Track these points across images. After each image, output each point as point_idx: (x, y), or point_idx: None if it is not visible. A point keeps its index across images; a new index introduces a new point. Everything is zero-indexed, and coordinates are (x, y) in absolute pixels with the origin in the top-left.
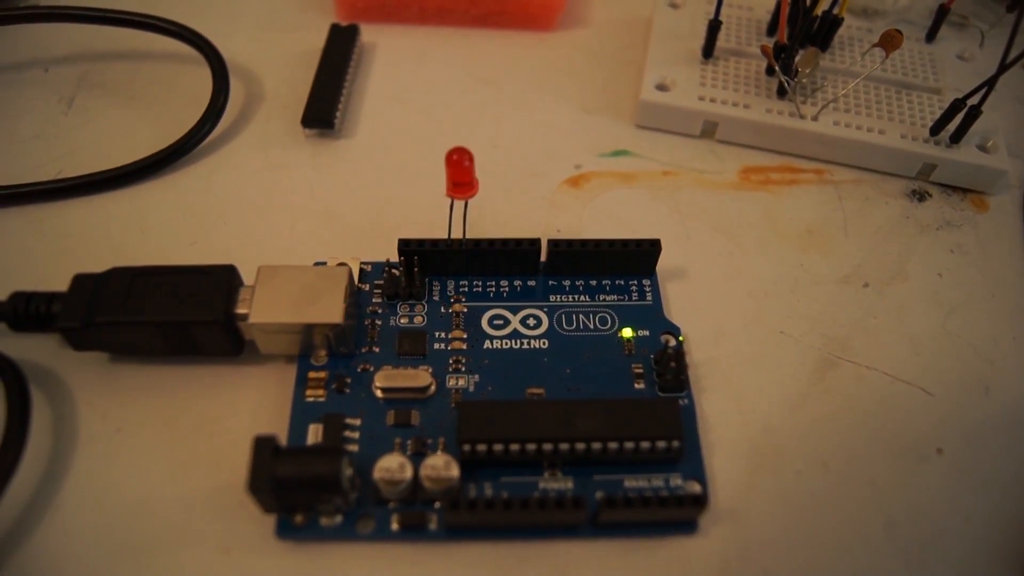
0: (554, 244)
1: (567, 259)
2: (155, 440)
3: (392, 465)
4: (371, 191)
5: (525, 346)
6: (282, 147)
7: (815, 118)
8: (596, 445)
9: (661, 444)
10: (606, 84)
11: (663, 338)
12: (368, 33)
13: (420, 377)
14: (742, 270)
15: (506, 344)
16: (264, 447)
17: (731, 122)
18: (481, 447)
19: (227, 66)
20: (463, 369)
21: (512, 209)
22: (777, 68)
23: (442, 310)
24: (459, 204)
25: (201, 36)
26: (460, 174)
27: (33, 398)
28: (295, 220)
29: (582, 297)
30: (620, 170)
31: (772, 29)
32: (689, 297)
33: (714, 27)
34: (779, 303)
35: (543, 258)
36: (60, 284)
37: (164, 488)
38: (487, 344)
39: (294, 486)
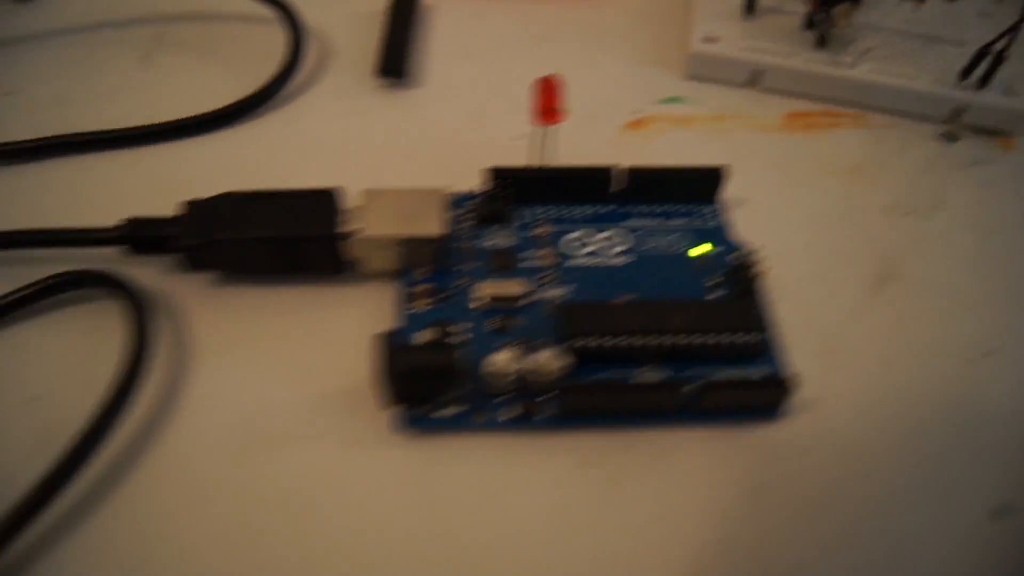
0: (632, 170)
1: (642, 185)
2: (268, 351)
3: (500, 358)
4: (443, 132)
5: (608, 263)
6: (356, 97)
7: (852, 66)
8: (688, 338)
9: (745, 337)
10: (656, 40)
11: (731, 256)
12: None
13: (517, 286)
14: (795, 200)
15: (590, 261)
16: (385, 341)
17: (775, 70)
18: (583, 342)
19: (301, 20)
20: (553, 282)
21: (579, 150)
22: (817, 19)
23: (528, 231)
24: (538, 135)
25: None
26: (548, 100)
27: (151, 317)
28: (377, 160)
29: (656, 221)
30: (675, 115)
31: None
32: (750, 224)
33: None
34: (832, 227)
35: (619, 183)
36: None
37: (281, 393)
38: (572, 261)
39: (413, 376)
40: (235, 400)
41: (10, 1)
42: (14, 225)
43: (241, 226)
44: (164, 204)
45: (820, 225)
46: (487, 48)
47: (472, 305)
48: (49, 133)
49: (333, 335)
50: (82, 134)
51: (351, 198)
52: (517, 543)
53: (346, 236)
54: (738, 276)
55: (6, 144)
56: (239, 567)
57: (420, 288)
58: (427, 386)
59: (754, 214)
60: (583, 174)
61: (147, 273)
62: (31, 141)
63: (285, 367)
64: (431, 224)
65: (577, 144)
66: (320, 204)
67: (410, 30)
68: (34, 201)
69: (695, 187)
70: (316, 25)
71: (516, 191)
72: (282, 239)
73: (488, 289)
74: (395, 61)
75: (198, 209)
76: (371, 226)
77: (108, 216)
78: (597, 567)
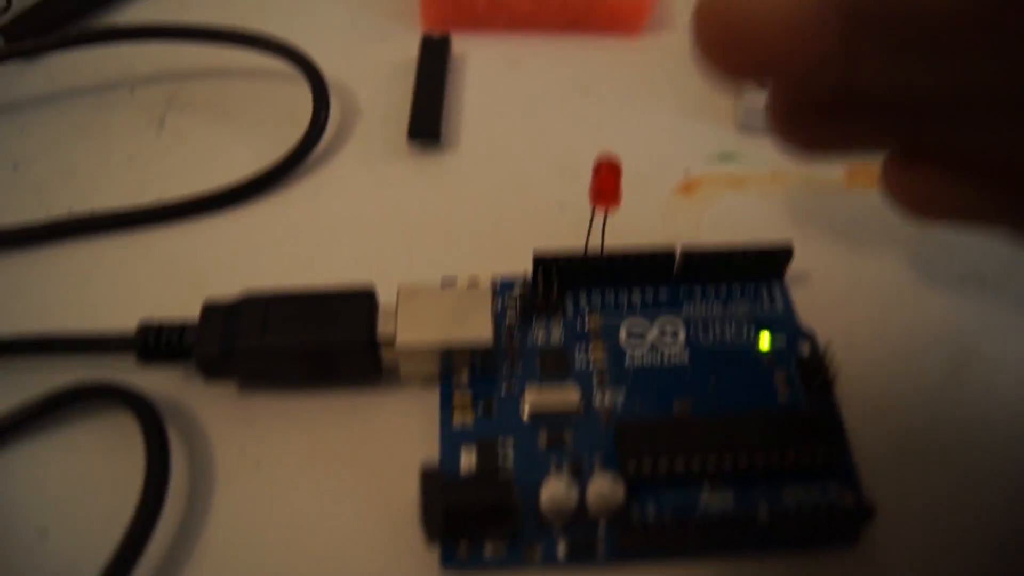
0: (687, 253)
1: (699, 267)
2: (298, 473)
3: (558, 492)
4: (482, 203)
5: (666, 360)
6: (386, 162)
7: None
8: (756, 457)
9: (820, 453)
10: (702, 88)
11: (803, 346)
12: (457, 43)
13: (569, 395)
14: (861, 271)
15: (647, 359)
16: (433, 481)
17: None
18: (644, 465)
19: (325, 78)
20: (607, 385)
21: (628, 218)
22: None
23: (579, 324)
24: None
25: (296, 50)
26: (608, 185)
27: (168, 435)
28: (410, 235)
29: (715, 305)
30: (729, 174)
31: None
32: (814, 302)
33: None
34: (903, 303)
35: (676, 268)
36: (175, 310)
37: (314, 523)
38: (628, 359)
39: (467, 518)
40: (261, 535)
41: (17, 60)
42: (20, 317)
43: (265, 335)
44: (181, 290)
45: (890, 300)
46: (524, 99)
47: (523, 418)
48: (58, 209)
49: (370, 450)
50: (92, 218)
51: (385, 294)
52: None
53: (381, 344)
54: (810, 374)
55: (11, 229)
56: None
57: (464, 396)
58: (480, 523)
59: (819, 290)
60: (636, 260)
61: (162, 381)
62: (37, 227)
63: (317, 490)
64: (478, 329)
65: (626, 214)
66: (352, 307)
67: (442, 84)
68: (40, 290)
69: (759, 266)
70: (338, 77)
71: (565, 278)
72: (310, 349)
73: (538, 398)
74: (428, 122)
75: (216, 314)
76: (410, 333)
77: (121, 305)
78: None
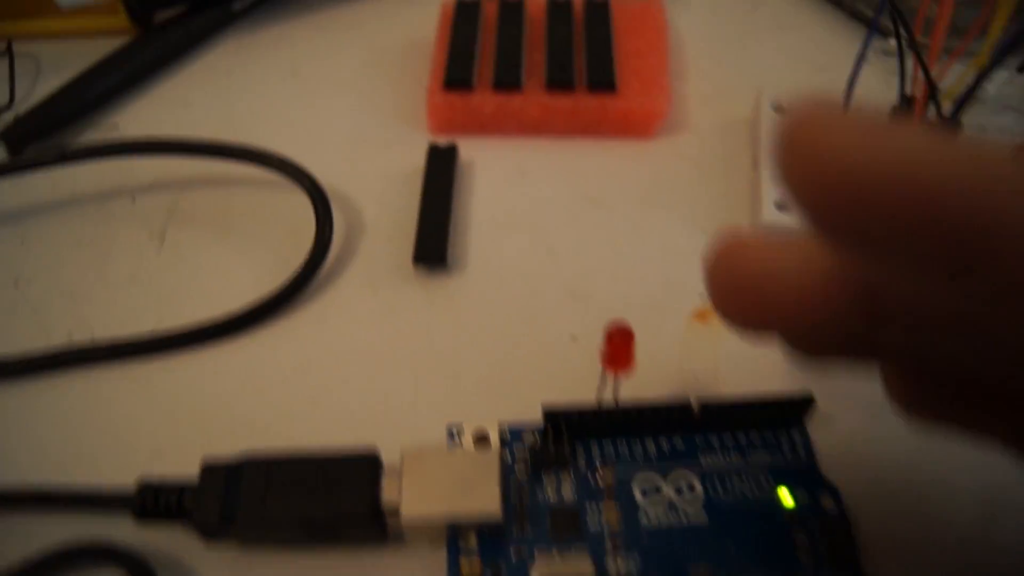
0: (704, 406)
1: (716, 417)
2: None
3: None
4: (490, 334)
5: (683, 520)
6: (392, 286)
7: None
8: None
9: None
10: (718, 197)
11: (824, 504)
12: (465, 147)
13: (581, 565)
14: (889, 413)
15: (663, 519)
16: None
17: None
18: None
19: (329, 201)
20: (621, 550)
21: (641, 351)
22: None
23: (591, 480)
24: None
25: (299, 168)
26: (621, 353)
27: None
28: (417, 372)
29: (733, 456)
30: None
31: None
32: (840, 446)
33: None
34: (932, 447)
35: (692, 419)
36: (175, 449)
37: None
38: (643, 520)
39: None
40: None
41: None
42: (16, 450)
43: (266, 502)
44: (181, 426)
45: (918, 444)
46: (533, 211)
47: None
48: (57, 333)
49: None
50: (91, 348)
51: (390, 440)
52: None
53: (386, 513)
54: (834, 534)
55: (11, 359)
56: None
57: (472, 563)
58: None
59: (843, 433)
60: (651, 412)
61: (161, 539)
62: (37, 357)
63: None
64: (486, 500)
65: (639, 345)
66: (355, 474)
67: (449, 200)
68: (38, 422)
69: (780, 415)
70: (342, 189)
71: (576, 431)
72: (313, 518)
73: (548, 571)
74: (434, 246)
75: (216, 476)
76: (415, 504)
77: (119, 443)
78: None
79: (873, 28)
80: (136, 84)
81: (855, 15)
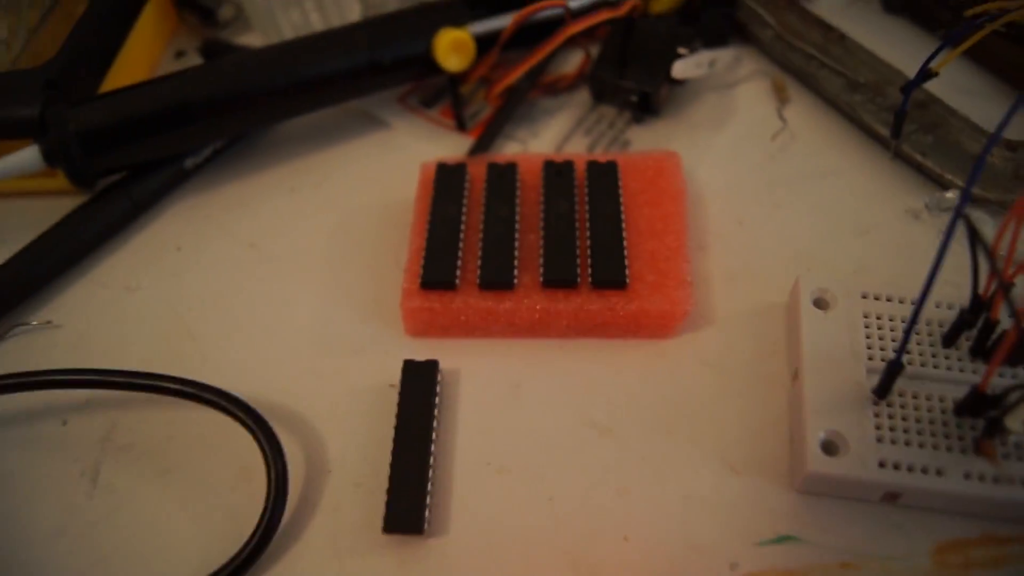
0: None
1: None
2: None
3: None
4: None
5: None
6: (358, 552)
7: None
8: None
9: None
10: (751, 423)
11: None
12: (447, 353)
13: None
14: None
15: None
16: None
17: (920, 493)
18: None
19: (284, 456)
20: None
21: None
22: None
23: None
24: None
25: (248, 408)
26: None
27: None
28: None
29: None
30: (787, 568)
31: (950, 340)
32: None
33: (895, 368)
34: None
35: None
36: None
37: None
38: None
39: None
40: None
41: None
42: None
43: None
44: None
45: None
46: (526, 446)
47: None
48: None
49: None
50: None
51: None
52: None
53: None
54: None
55: None
56: None
57: None
58: None
59: None
60: None
61: None
62: None
63: None
64: None
65: None
66: None
67: (428, 439)
68: None
69: None
70: (301, 412)
71: None
72: None
73: None
74: (409, 512)
75: None
76: None
77: None
78: None
79: (963, 202)
80: (75, 264)
81: (900, 156)
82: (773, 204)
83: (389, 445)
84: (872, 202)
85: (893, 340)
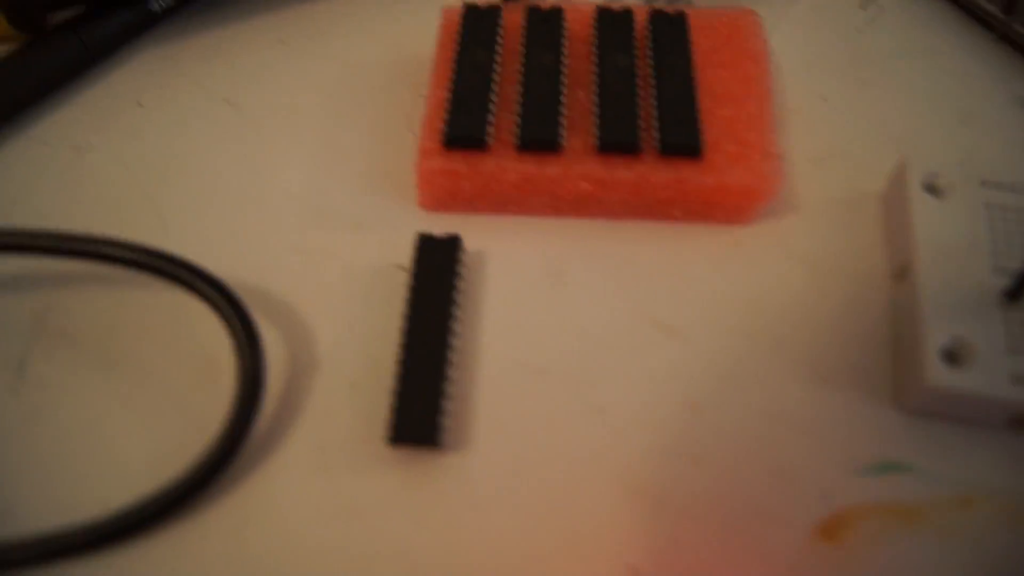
0: None
1: None
2: None
3: None
4: (503, 557)
5: None
6: (355, 468)
7: None
8: None
9: None
10: (847, 328)
11: None
12: (473, 232)
13: None
14: None
15: None
16: None
17: None
18: None
19: (261, 343)
20: None
21: None
22: None
23: None
24: None
25: (216, 282)
26: None
27: None
28: None
29: None
30: (893, 500)
31: None
32: None
33: None
34: None
35: None
36: None
37: None
38: None
39: None
40: None
41: None
42: None
43: None
44: None
45: None
46: (571, 346)
47: None
48: None
49: None
50: None
51: None
52: None
53: None
54: None
55: None
56: None
57: None
58: None
59: None
60: None
61: None
62: None
63: None
64: None
65: None
66: None
67: (445, 338)
68: None
69: None
70: (285, 297)
71: None
72: None
73: None
74: (421, 419)
75: None
76: None
77: None
78: None
79: None
80: (14, 118)
81: (1007, 38)
82: (861, 82)
83: (395, 337)
84: (974, 87)
85: (1022, 236)
